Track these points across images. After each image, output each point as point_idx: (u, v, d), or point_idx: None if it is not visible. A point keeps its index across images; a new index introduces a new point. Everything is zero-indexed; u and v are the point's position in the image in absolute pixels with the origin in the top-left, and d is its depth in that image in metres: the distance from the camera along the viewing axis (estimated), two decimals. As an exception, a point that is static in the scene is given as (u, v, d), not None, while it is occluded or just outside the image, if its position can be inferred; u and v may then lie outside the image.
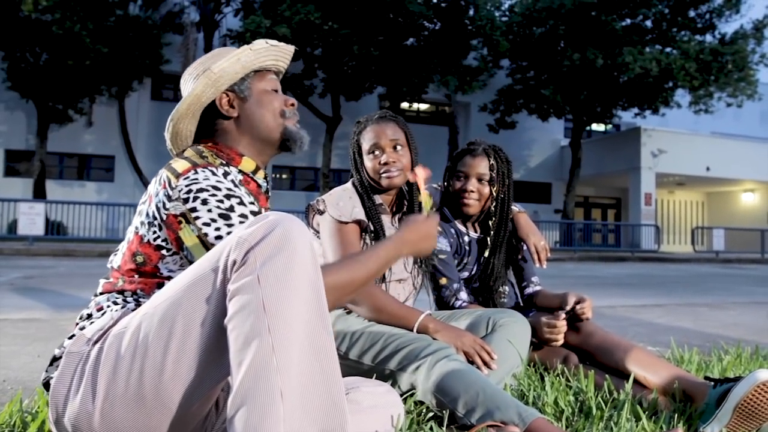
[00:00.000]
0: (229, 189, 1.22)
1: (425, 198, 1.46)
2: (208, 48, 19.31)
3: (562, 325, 1.93)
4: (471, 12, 17.94)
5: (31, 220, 12.42)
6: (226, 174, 1.27)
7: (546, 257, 2.15)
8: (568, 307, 1.98)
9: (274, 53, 1.41)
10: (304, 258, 0.99)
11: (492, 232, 2.15)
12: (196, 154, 1.32)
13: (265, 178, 1.42)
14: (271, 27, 15.45)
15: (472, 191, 2.09)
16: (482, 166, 2.10)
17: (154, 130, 20.53)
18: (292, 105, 1.43)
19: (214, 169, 1.24)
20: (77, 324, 1.23)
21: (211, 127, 1.39)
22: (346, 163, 21.45)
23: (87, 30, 15.47)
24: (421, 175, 1.49)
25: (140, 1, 18.56)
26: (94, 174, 20.68)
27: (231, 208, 1.19)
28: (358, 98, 19.33)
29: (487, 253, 2.15)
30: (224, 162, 1.34)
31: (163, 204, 1.21)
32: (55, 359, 1.18)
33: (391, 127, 1.89)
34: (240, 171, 1.35)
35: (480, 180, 2.10)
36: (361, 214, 1.83)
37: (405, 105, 22.93)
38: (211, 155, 1.33)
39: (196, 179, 1.21)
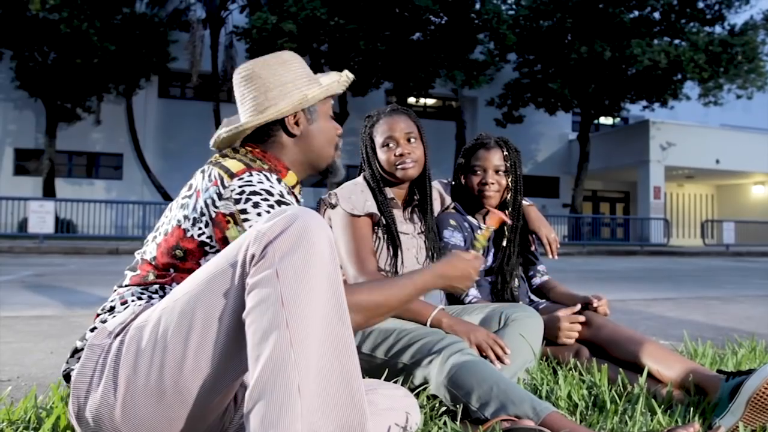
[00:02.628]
0: (282, 195, 1.22)
1: (484, 236, 1.42)
2: (214, 45, 19.34)
3: (576, 325, 1.95)
4: (477, 6, 17.85)
5: (41, 218, 12.51)
6: (279, 180, 1.27)
7: (557, 248, 2.18)
8: (579, 308, 1.98)
9: (345, 83, 1.45)
10: (323, 253, 0.99)
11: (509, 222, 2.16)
12: (243, 158, 1.31)
13: (300, 192, 1.42)
14: (278, 23, 15.46)
15: (492, 183, 2.11)
16: (497, 157, 2.13)
17: (161, 128, 20.61)
18: (340, 135, 1.47)
19: (268, 174, 1.24)
20: (98, 315, 1.23)
21: (265, 134, 1.37)
22: (353, 158, 21.44)
23: (94, 28, 15.54)
24: (494, 220, 1.45)
25: (146, -1, 18.63)
26: (102, 172, 20.80)
27: None
28: (364, 94, 19.30)
29: (505, 243, 2.15)
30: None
31: (213, 201, 1.21)
32: (77, 351, 1.19)
33: (404, 120, 1.89)
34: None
35: (497, 172, 2.12)
36: (373, 208, 1.83)
37: (412, 100, 22.87)
38: (260, 163, 1.33)
39: (251, 181, 1.21)
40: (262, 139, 1.37)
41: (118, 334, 1.12)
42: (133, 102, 19.35)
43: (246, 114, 1.35)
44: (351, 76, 1.43)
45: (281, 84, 1.34)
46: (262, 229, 1.00)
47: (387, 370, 1.64)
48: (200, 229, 1.23)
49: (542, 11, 18.56)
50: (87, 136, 19.98)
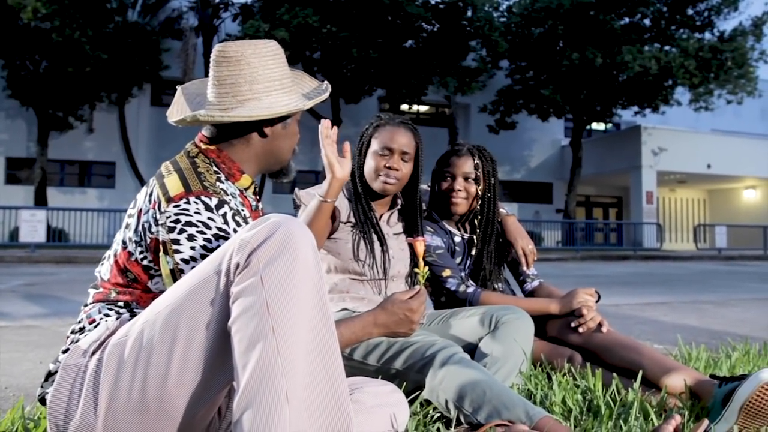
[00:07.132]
0: (219, 228, 1.16)
1: (423, 269, 1.43)
2: (207, 53, 19.32)
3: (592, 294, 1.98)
4: (469, 13, 17.92)
5: (33, 227, 12.42)
6: (219, 205, 1.18)
7: (533, 260, 2.15)
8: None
9: (326, 92, 1.40)
10: (307, 259, 0.98)
11: (479, 231, 2.14)
12: (190, 168, 1.23)
13: (254, 192, 1.39)
14: (270, 31, 15.46)
15: (460, 190, 2.10)
16: (467, 165, 2.11)
17: (154, 136, 20.55)
18: (298, 140, 1.44)
19: (207, 200, 1.16)
20: (68, 338, 1.21)
21: (230, 126, 1.29)
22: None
23: (86, 37, 15.49)
24: (420, 247, 1.47)
25: (139, 8, 18.58)
26: (95, 180, 20.69)
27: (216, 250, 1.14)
28: (357, 101, 19.33)
29: (474, 252, 2.14)
30: (222, 177, 1.27)
31: (149, 226, 1.18)
32: (51, 374, 1.16)
33: (408, 137, 1.88)
34: (236, 187, 1.31)
35: (466, 179, 2.11)
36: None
37: (404, 107, 22.92)
38: (206, 167, 1.25)
39: (187, 210, 1.15)
40: (222, 131, 1.30)
41: (94, 352, 1.09)
42: (125, 110, 19.27)
43: (220, 97, 1.25)
44: (326, 92, 1.39)
45: (269, 79, 1.27)
46: (245, 238, 0.98)
47: (380, 376, 1.63)
48: (142, 253, 1.20)
49: (534, 18, 18.68)
50: (79, 145, 19.89)
